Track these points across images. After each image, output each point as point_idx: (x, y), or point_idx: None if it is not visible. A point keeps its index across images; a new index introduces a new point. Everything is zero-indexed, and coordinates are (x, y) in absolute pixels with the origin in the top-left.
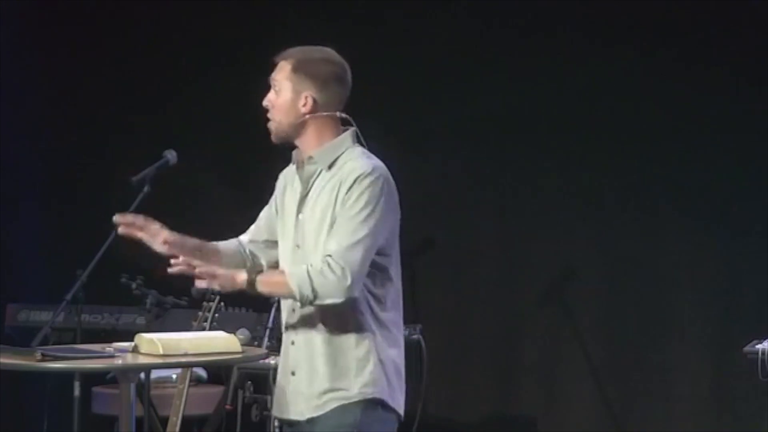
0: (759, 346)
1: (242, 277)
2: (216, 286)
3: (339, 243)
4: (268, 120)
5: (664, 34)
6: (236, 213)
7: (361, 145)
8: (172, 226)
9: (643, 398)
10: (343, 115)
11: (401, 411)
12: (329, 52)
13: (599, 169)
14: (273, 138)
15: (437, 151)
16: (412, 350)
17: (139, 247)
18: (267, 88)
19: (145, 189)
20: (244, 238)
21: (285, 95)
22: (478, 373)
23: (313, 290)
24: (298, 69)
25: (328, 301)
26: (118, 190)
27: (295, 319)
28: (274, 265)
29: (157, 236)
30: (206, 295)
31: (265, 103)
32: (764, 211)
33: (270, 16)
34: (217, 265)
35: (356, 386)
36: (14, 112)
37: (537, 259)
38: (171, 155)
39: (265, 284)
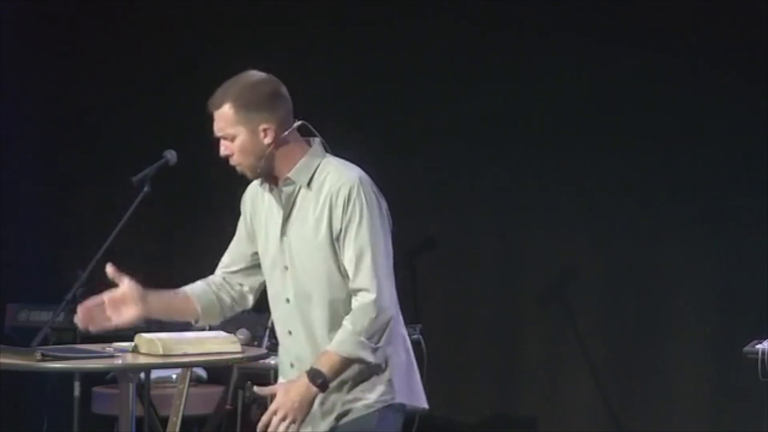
0: (759, 346)
1: (312, 386)
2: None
3: (367, 281)
4: (234, 166)
5: (664, 34)
6: (236, 212)
7: (328, 152)
8: (173, 226)
9: (643, 398)
10: (299, 122)
11: (425, 404)
12: (255, 74)
13: (599, 168)
14: (250, 177)
15: (437, 151)
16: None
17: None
18: (216, 141)
19: (145, 189)
20: (216, 275)
21: (242, 138)
22: (478, 373)
23: (371, 341)
24: (241, 107)
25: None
26: (118, 190)
27: (300, 343)
28: (256, 290)
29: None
30: None
31: (223, 153)
32: (764, 211)
33: (271, 16)
34: (189, 312)
35: (375, 394)
36: (14, 112)
37: (537, 259)
38: (171, 155)
39: (331, 373)
